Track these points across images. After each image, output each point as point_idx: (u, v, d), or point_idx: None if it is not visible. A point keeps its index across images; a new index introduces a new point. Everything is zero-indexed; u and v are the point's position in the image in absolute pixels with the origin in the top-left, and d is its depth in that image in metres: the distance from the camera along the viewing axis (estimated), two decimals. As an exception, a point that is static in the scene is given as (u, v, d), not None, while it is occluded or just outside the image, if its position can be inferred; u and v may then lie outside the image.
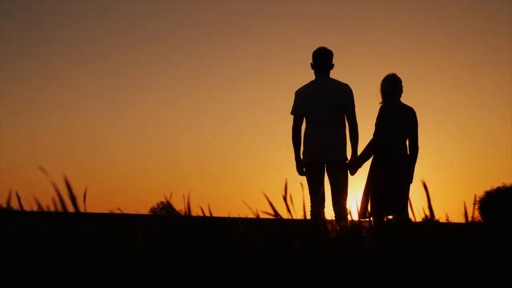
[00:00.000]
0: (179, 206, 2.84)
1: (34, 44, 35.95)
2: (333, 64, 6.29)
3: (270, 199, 2.44)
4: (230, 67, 35.79)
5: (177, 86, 36.51)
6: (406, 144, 6.30)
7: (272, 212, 2.37)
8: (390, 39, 34.19)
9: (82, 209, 2.33)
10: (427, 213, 2.52)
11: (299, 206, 2.62)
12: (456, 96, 36.66)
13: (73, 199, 2.21)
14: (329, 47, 6.29)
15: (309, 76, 6.41)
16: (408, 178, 6.21)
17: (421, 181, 2.41)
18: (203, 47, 35.73)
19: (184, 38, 35.90)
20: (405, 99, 6.45)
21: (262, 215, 2.53)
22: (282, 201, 2.52)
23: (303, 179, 6.27)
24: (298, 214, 2.55)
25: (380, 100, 6.44)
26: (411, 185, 6.25)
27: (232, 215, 3.62)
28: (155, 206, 32.62)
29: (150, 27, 35.58)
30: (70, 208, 2.21)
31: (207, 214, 2.66)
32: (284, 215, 2.49)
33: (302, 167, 6.26)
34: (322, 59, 6.26)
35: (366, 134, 6.40)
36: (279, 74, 35.43)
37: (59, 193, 2.13)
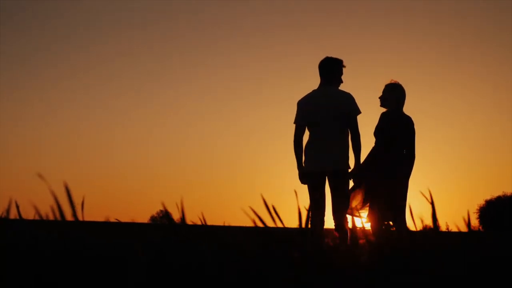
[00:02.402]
0: (178, 214, 2.85)
1: (33, 50, 36.02)
2: (340, 73, 6.30)
3: (269, 206, 2.43)
4: (229, 74, 35.86)
5: (176, 94, 36.59)
6: (404, 153, 6.31)
7: (261, 224, 2.37)
8: (390, 45, 34.25)
9: (80, 218, 2.33)
10: (431, 223, 2.51)
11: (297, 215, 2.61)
12: (457, 105, 36.71)
13: (73, 207, 2.21)
14: (331, 53, 6.34)
15: (309, 83, 6.44)
16: (404, 186, 6.21)
17: (423, 192, 2.40)
18: (203, 54, 35.78)
19: (184, 45, 35.96)
20: (405, 106, 6.46)
21: (260, 224, 2.53)
22: (281, 208, 2.51)
23: (298, 186, 6.29)
24: (294, 223, 2.55)
25: (385, 108, 6.42)
26: (411, 194, 6.26)
27: (230, 224, 3.62)
28: (155, 215, 32.62)
29: (151, 32, 35.65)
30: (69, 217, 2.21)
31: (204, 223, 2.66)
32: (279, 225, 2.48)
33: (304, 176, 6.27)
34: (326, 69, 6.30)
35: (365, 142, 6.39)
36: (279, 81, 35.50)
37: (58, 201, 2.14)
